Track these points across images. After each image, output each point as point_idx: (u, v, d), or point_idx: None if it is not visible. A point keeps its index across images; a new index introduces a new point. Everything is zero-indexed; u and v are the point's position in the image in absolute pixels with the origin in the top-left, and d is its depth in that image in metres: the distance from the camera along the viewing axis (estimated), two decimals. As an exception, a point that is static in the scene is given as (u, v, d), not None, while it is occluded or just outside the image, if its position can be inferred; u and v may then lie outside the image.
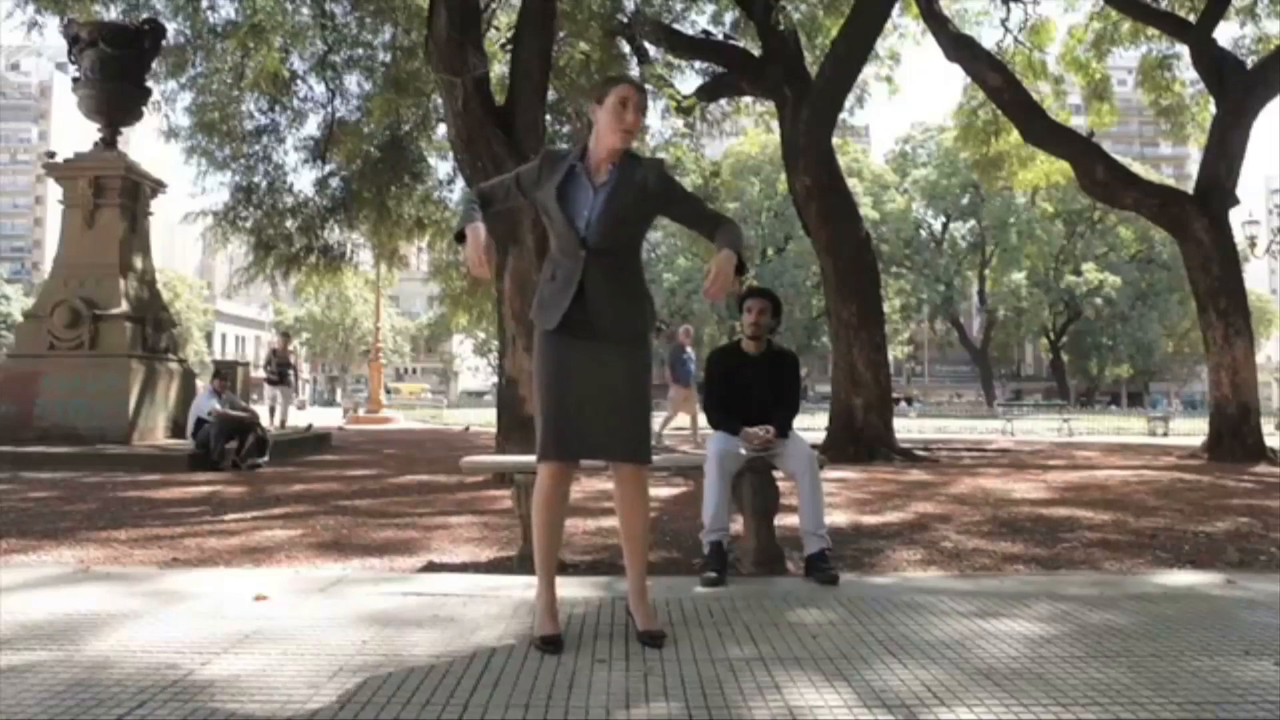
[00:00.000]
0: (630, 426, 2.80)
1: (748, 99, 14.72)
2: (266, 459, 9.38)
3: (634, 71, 12.85)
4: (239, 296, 37.72)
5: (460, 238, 2.79)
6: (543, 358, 2.83)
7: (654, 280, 42.89)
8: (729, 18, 13.75)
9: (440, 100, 10.10)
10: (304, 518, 5.83)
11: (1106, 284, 47.99)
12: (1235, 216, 12.53)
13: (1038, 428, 22.39)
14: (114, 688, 2.24)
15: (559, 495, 2.82)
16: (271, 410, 15.04)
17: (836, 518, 5.60)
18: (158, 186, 11.85)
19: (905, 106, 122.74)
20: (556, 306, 2.78)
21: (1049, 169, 15.77)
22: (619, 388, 2.78)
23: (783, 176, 20.30)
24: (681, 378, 12.13)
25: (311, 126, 16.79)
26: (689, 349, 12.65)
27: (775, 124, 13.53)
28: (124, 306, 10.68)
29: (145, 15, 11.55)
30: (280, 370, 15.50)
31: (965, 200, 49.67)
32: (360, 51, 13.17)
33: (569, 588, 3.27)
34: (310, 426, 14.42)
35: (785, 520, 4.36)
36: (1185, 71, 14.49)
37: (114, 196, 10.94)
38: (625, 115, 2.74)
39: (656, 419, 14.96)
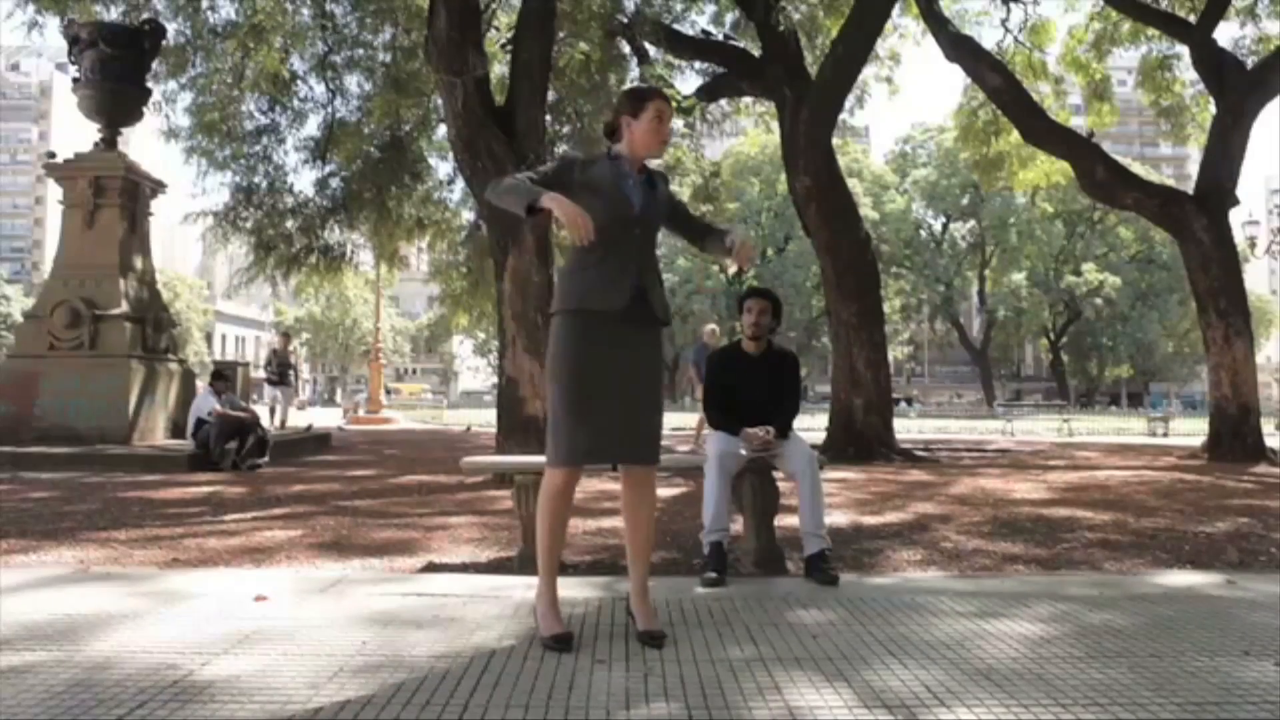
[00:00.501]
0: (655, 427, 2.87)
1: (748, 99, 14.72)
2: (266, 459, 9.38)
3: (634, 72, 12.86)
4: (239, 297, 37.78)
5: (530, 210, 2.65)
6: (575, 352, 2.75)
7: (654, 280, 42.79)
8: (729, 18, 13.76)
9: (440, 100, 10.09)
10: (304, 518, 5.83)
11: (1106, 284, 47.95)
12: (1235, 217, 12.55)
13: (1038, 428, 22.41)
14: (114, 688, 2.24)
15: (569, 497, 2.84)
16: (272, 410, 15.05)
17: (836, 518, 5.60)
18: (158, 187, 11.85)
19: (905, 107, 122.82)
20: (618, 284, 2.76)
21: (1049, 169, 15.76)
22: (646, 384, 2.86)
23: (783, 176, 20.31)
24: None
25: (311, 127, 16.81)
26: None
27: (775, 124, 13.53)
28: (124, 307, 10.67)
29: (145, 15, 11.55)
30: (281, 370, 15.51)
31: (965, 200, 49.61)
32: (360, 52, 13.15)
33: (569, 588, 3.26)
34: (310, 427, 14.43)
35: (785, 520, 4.36)
36: (1185, 72, 14.48)
37: (114, 197, 10.94)
38: (663, 128, 2.90)
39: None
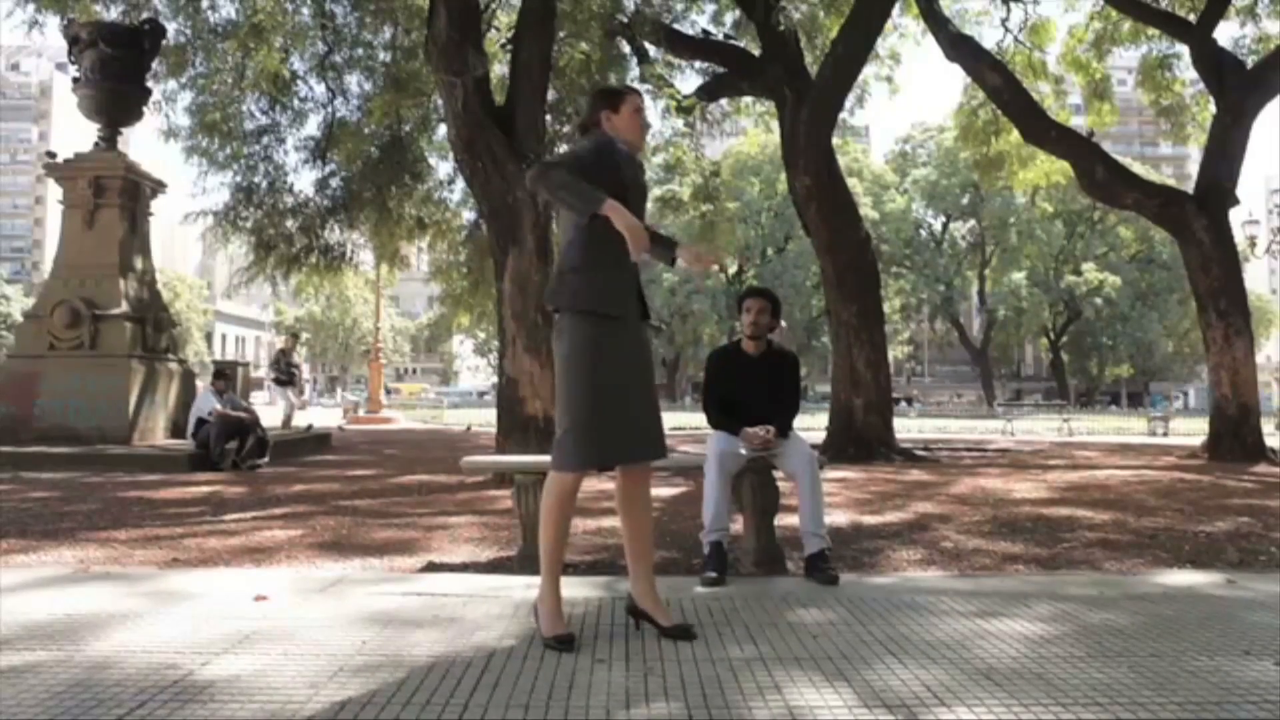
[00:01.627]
0: (660, 424, 2.91)
1: (748, 99, 14.70)
2: (266, 459, 9.38)
3: (634, 72, 12.85)
4: (239, 297, 37.69)
5: (593, 215, 2.67)
6: (595, 355, 2.75)
7: (654, 280, 42.85)
8: (729, 18, 13.74)
9: (440, 100, 10.09)
10: (304, 518, 5.83)
11: (1106, 284, 47.96)
12: (1235, 216, 12.54)
13: (1038, 428, 22.40)
14: (114, 688, 2.24)
15: (575, 499, 2.86)
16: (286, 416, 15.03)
17: (836, 518, 5.60)
18: (158, 187, 11.84)
19: (905, 106, 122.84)
20: (629, 286, 2.86)
21: (1049, 169, 15.76)
22: (650, 381, 2.93)
23: (783, 176, 20.31)
24: None
25: (312, 127, 16.76)
26: None
27: (775, 124, 13.52)
28: (124, 306, 10.67)
29: (145, 15, 11.54)
30: (288, 371, 15.52)
31: (965, 200, 49.61)
32: (360, 51, 13.15)
33: (569, 588, 3.25)
34: (310, 427, 14.42)
35: (785, 520, 4.36)
36: (1185, 71, 14.48)
37: (114, 197, 10.94)
38: (641, 120, 2.98)
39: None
